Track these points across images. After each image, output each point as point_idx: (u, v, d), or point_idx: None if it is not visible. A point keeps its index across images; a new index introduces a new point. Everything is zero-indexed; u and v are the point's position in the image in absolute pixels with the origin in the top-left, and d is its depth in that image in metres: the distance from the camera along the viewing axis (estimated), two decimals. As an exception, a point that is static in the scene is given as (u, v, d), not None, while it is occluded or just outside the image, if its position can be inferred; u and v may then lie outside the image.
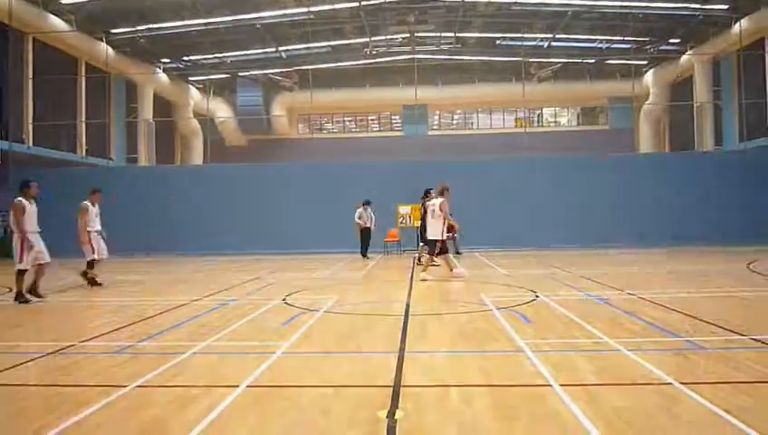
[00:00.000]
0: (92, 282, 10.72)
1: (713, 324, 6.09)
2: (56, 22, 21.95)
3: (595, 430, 3.23)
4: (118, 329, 6.54)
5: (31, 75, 21.86)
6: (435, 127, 35.41)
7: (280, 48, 28.29)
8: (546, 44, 28.70)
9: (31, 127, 21.81)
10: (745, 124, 22.25)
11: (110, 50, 24.71)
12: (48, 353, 5.31)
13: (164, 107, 30.40)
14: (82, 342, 5.87)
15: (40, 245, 8.96)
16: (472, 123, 35.63)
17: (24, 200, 8.86)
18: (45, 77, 22.50)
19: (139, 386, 4.24)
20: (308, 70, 28.32)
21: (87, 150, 24.66)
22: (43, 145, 22.22)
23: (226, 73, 31.12)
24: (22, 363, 4.99)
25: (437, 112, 35.32)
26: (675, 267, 12.78)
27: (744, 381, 4.09)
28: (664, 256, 15.51)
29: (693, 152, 25.40)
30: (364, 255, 17.58)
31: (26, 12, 20.61)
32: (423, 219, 14.50)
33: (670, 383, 4.03)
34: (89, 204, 10.84)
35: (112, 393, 4.03)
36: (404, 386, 4.14)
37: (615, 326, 6.16)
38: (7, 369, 4.81)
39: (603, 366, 4.57)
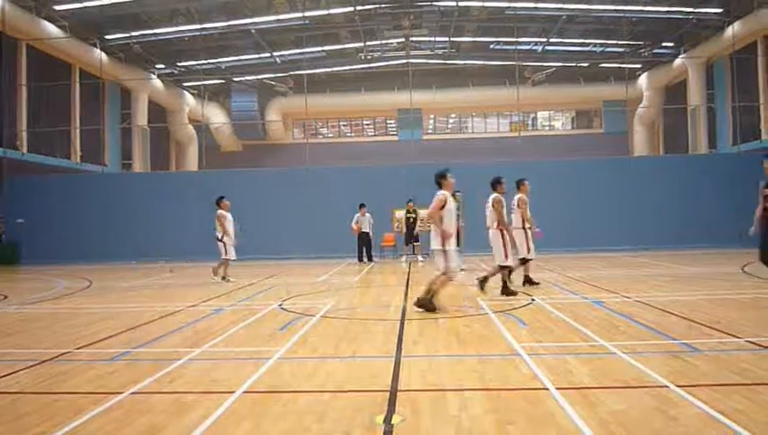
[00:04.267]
0: (529, 281, 10.29)
1: (708, 327, 6.12)
2: (50, 28, 21.89)
3: (591, 433, 3.24)
4: (113, 335, 6.52)
5: (24, 82, 21.79)
6: (429, 131, 35.48)
7: (274, 53, 28.30)
8: (540, 48, 28.82)
9: (25, 133, 21.74)
10: (739, 127, 22.37)
11: (104, 56, 24.65)
12: (44, 361, 5.30)
13: (158, 113, 30.34)
14: (78, 348, 5.85)
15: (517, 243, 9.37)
16: (467, 127, 35.71)
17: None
18: (39, 83, 22.45)
19: (135, 393, 4.24)
20: (303, 75, 28.31)
21: (81, 157, 24.59)
22: (37, 152, 22.16)
23: (221, 79, 31.09)
24: (18, 371, 4.97)
25: (432, 116, 35.38)
26: (669, 270, 12.82)
27: (740, 383, 4.11)
28: (659, 259, 15.55)
29: (686, 155, 25.51)
30: (360, 259, 17.55)
31: (19, 18, 20.55)
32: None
33: (666, 386, 4.05)
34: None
35: (108, 400, 4.03)
36: (401, 391, 4.15)
37: (611, 329, 6.18)
38: (3, 376, 4.79)
39: (599, 369, 4.58)
